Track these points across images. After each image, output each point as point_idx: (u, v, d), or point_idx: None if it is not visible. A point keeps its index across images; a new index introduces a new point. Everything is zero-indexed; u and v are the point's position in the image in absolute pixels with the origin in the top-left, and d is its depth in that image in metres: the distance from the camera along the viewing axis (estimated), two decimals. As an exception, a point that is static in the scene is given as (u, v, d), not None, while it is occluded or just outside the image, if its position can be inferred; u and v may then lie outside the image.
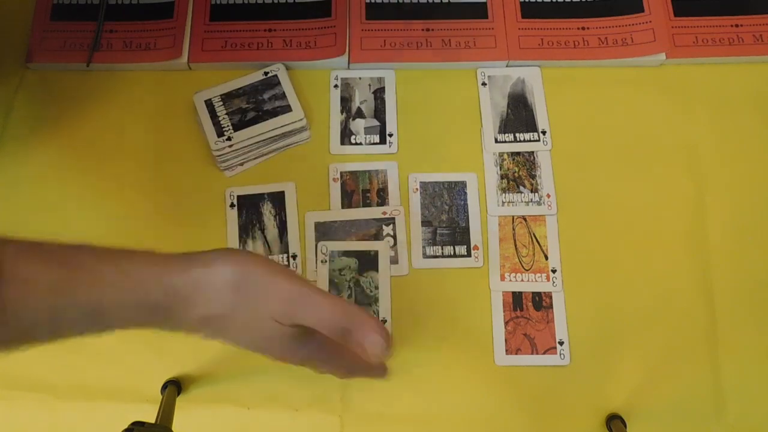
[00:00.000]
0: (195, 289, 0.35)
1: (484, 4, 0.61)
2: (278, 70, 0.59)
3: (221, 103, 0.58)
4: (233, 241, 0.55)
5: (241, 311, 0.36)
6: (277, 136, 0.57)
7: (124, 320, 0.34)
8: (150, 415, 0.46)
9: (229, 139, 0.56)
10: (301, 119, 0.57)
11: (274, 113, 0.57)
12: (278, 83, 0.58)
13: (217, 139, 0.56)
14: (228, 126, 0.56)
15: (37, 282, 0.32)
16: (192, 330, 0.36)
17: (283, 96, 0.58)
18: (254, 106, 0.57)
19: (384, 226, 0.56)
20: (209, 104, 0.57)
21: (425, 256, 0.55)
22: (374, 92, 0.60)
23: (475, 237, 0.55)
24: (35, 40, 0.60)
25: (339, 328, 0.37)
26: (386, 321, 0.53)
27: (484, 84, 0.60)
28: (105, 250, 0.35)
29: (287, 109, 0.57)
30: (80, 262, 0.34)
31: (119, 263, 0.35)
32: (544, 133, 0.58)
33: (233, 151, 0.56)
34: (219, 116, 0.57)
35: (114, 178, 0.57)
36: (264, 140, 0.56)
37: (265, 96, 0.58)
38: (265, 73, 0.59)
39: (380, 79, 0.60)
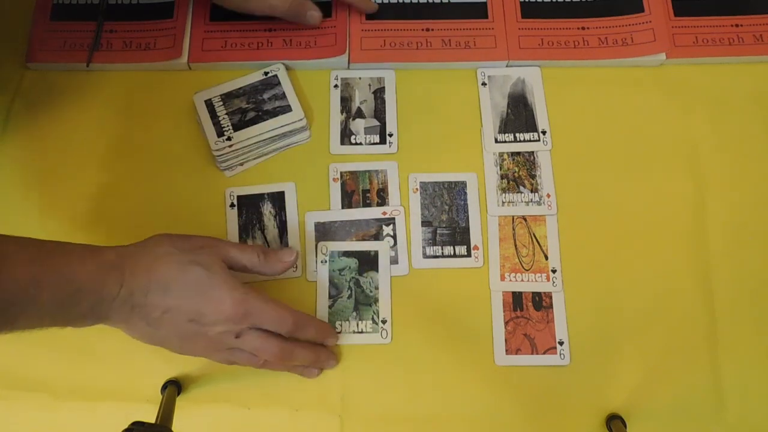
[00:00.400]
0: (138, 250, 0.45)
1: (484, 4, 0.61)
2: (278, 70, 0.59)
3: (221, 103, 0.57)
4: (233, 241, 0.55)
5: (176, 252, 0.45)
6: (277, 136, 0.57)
7: (89, 286, 0.41)
8: (150, 415, 0.46)
9: (229, 139, 0.56)
10: (301, 119, 0.57)
11: (274, 113, 0.57)
12: (278, 83, 0.58)
13: (217, 139, 0.56)
14: (228, 126, 0.56)
15: (17, 255, 0.38)
16: (143, 291, 0.43)
17: (283, 96, 0.58)
18: (254, 106, 0.57)
19: (384, 226, 0.56)
20: (209, 104, 0.57)
21: (425, 256, 0.55)
22: (374, 92, 0.60)
23: (475, 237, 0.55)
24: (35, 40, 0.60)
25: (257, 258, 0.48)
26: (386, 321, 0.53)
27: (484, 84, 0.60)
28: (77, 245, 0.43)
29: (287, 109, 0.57)
30: (52, 245, 0.41)
31: (84, 245, 0.43)
32: (544, 133, 0.58)
33: (233, 151, 0.56)
34: (219, 116, 0.57)
35: (114, 177, 0.57)
36: (264, 140, 0.56)
37: (265, 96, 0.58)
38: (265, 73, 0.59)
39: (380, 79, 0.60)
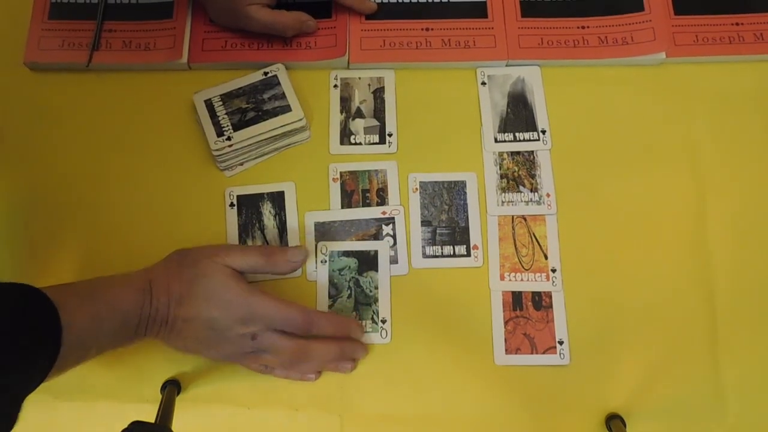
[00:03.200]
0: (158, 271, 0.48)
1: (484, 3, 0.61)
2: (278, 70, 0.59)
3: (221, 103, 0.57)
4: (233, 241, 0.55)
5: (184, 267, 0.48)
6: (276, 135, 0.57)
7: (132, 311, 0.45)
8: (150, 415, 0.46)
9: (228, 138, 0.56)
10: (300, 119, 0.57)
11: (274, 113, 0.57)
12: (278, 83, 0.58)
13: (216, 138, 0.56)
14: (228, 126, 0.56)
15: (74, 300, 0.43)
16: (165, 306, 0.46)
17: (283, 96, 0.58)
18: (254, 106, 0.57)
19: (384, 226, 0.56)
20: (209, 104, 0.57)
21: (425, 255, 0.55)
22: (374, 92, 0.60)
23: (474, 237, 0.55)
24: (33, 39, 0.60)
25: (261, 259, 0.50)
26: (386, 321, 0.53)
27: (483, 83, 0.60)
28: (112, 276, 0.47)
29: (287, 109, 0.57)
30: (96, 282, 0.46)
31: (119, 276, 0.47)
32: (543, 132, 0.58)
33: (233, 150, 0.56)
34: (219, 116, 0.57)
35: (113, 177, 0.57)
36: (264, 140, 0.56)
37: (265, 96, 0.58)
38: (265, 73, 0.58)
39: (380, 79, 0.60)
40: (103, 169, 0.58)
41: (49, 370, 0.41)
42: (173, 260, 0.49)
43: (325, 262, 0.55)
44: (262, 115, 0.57)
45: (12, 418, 0.39)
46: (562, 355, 0.52)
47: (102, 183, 0.57)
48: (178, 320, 0.47)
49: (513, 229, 0.56)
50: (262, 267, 0.50)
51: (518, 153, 0.58)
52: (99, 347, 0.44)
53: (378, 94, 0.59)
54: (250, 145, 0.56)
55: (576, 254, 0.55)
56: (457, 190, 0.57)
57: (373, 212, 0.56)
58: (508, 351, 0.53)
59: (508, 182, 0.57)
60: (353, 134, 0.58)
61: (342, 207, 0.56)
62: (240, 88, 0.58)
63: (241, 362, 0.50)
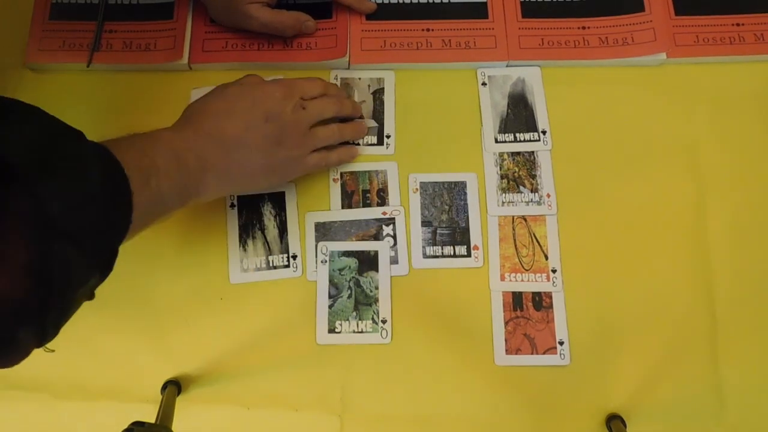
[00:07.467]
0: (183, 116, 0.49)
1: (484, 3, 0.61)
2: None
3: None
4: (233, 242, 0.55)
5: (206, 95, 0.50)
6: None
7: (180, 144, 0.45)
8: (150, 415, 0.46)
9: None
10: None
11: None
12: None
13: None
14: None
15: (126, 152, 0.41)
16: (210, 122, 0.47)
17: None
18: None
19: (384, 226, 0.56)
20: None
21: (425, 256, 0.55)
22: (373, 93, 0.60)
23: (475, 237, 0.55)
24: (33, 40, 0.60)
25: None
26: (386, 321, 0.53)
27: (484, 84, 0.60)
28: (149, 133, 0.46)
29: None
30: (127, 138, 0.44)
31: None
32: (544, 132, 0.58)
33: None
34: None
35: (114, 178, 0.57)
36: None
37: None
38: None
39: (380, 80, 0.60)
40: (104, 170, 0.58)
41: (130, 209, 0.38)
42: (191, 105, 0.49)
43: (326, 262, 0.55)
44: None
45: (112, 261, 0.37)
46: (562, 356, 0.52)
47: (102, 183, 0.57)
48: (235, 128, 0.47)
49: (513, 229, 0.56)
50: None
51: (518, 153, 0.58)
52: (169, 186, 0.42)
53: (378, 95, 0.59)
54: None
55: (576, 254, 0.55)
56: (457, 190, 0.57)
57: (374, 212, 0.56)
58: (508, 351, 0.53)
59: (508, 183, 0.57)
60: (353, 135, 0.58)
61: (342, 207, 0.56)
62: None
63: (302, 158, 0.51)
